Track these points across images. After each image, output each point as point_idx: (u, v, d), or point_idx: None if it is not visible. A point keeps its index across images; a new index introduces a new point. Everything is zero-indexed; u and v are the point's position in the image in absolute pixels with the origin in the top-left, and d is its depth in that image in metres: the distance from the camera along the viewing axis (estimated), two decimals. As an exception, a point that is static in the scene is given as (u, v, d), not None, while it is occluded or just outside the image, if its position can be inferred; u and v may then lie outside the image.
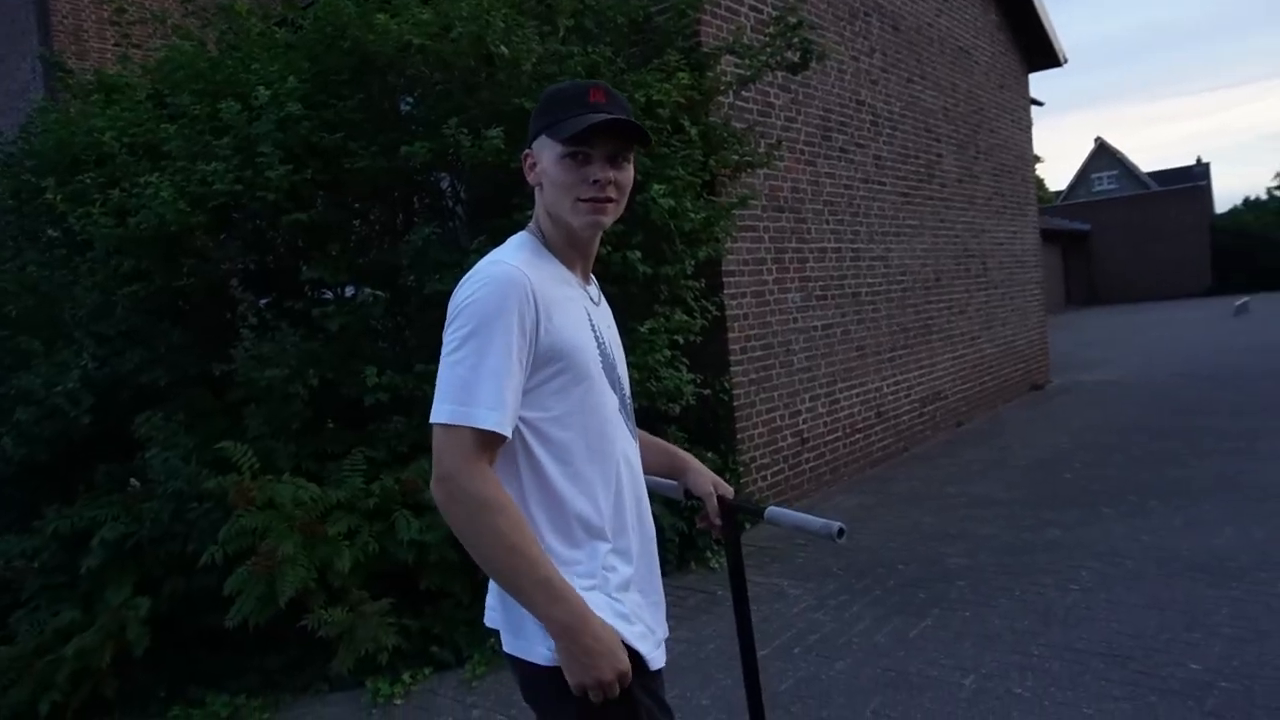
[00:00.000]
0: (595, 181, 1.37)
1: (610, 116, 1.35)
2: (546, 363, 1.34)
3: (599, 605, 1.32)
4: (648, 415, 4.72)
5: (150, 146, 4.17)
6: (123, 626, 3.44)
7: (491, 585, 1.42)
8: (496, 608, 1.42)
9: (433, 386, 1.32)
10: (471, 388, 1.26)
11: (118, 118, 4.35)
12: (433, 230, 4.05)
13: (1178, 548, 4.29)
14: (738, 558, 1.71)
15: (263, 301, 4.66)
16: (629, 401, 1.54)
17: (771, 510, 1.65)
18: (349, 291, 4.50)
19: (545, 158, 1.40)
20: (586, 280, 1.53)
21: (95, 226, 3.82)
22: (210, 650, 3.72)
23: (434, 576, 3.77)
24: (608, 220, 1.42)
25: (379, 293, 3.88)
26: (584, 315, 1.43)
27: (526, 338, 1.30)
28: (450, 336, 1.31)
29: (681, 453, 1.78)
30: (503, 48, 3.78)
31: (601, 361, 1.44)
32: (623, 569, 1.42)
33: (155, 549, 3.73)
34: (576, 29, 4.43)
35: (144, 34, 6.10)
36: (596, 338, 1.45)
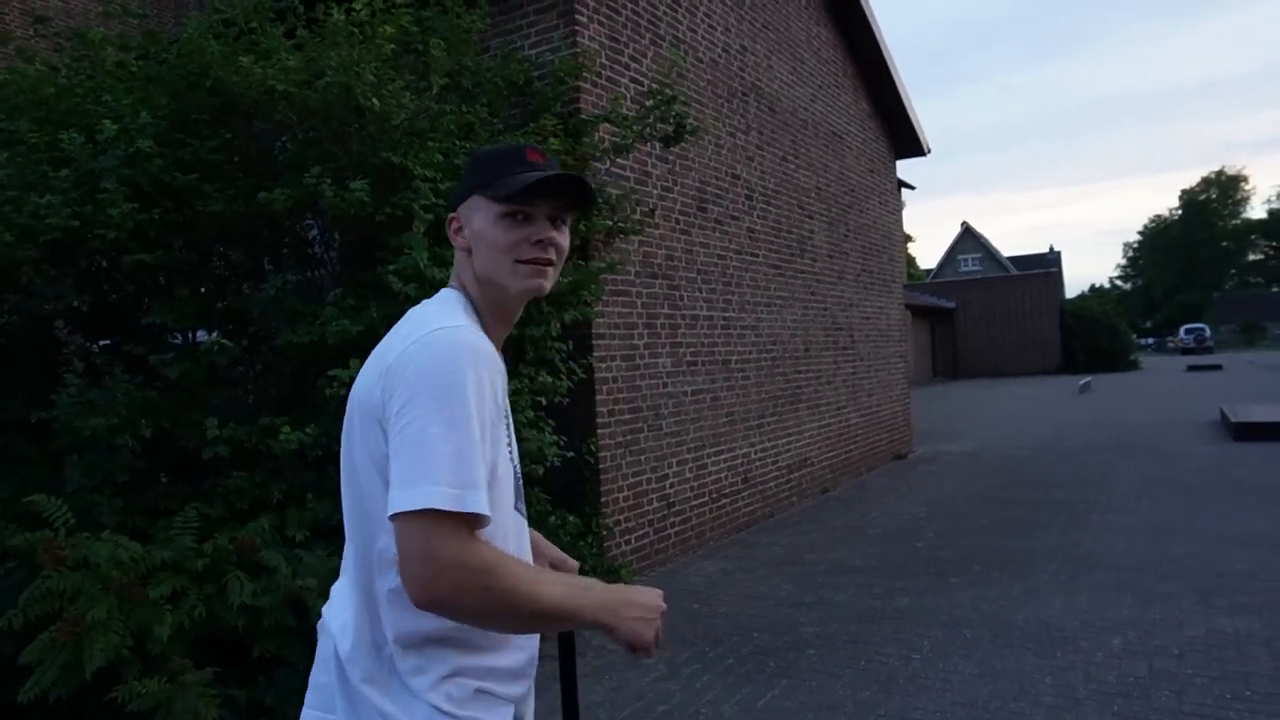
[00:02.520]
0: (538, 242, 1.30)
1: (555, 173, 1.30)
2: (496, 432, 1.24)
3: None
4: (510, 476, 4.64)
5: (-20, 173, 3.88)
6: (-103, 702, 3.08)
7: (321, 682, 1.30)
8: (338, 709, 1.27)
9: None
10: (458, 467, 1.12)
11: (-54, 140, 4.04)
12: (291, 278, 3.91)
13: (1013, 617, 4.49)
14: (569, 640, 1.62)
15: (101, 344, 4.37)
16: (519, 481, 1.46)
17: None
18: (201, 337, 4.28)
19: (479, 219, 1.31)
20: (498, 348, 1.44)
21: (-94, 255, 3.51)
22: (3, 727, 3.36)
23: (268, 642, 3.54)
24: (547, 284, 1.33)
25: (224, 341, 3.70)
26: (504, 387, 1.35)
27: (486, 407, 1.18)
28: (413, 409, 1.14)
29: (544, 542, 1.67)
30: (373, 100, 3.73)
31: (507, 435, 1.35)
32: (526, 649, 1.34)
33: (-54, 613, 3.37)
34: (453, 87, 4.44)
35: (-7, 54, 5.74)
36: (504, 411, 1.36)
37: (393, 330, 1.30)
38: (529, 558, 1.40)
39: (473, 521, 1.12)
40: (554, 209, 1.32)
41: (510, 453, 1.34)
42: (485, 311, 1.35)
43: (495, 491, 1.23)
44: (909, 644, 4.19)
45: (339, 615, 1.30)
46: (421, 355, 1.18)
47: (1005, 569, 5.43)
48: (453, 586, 1.09)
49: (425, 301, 1.35)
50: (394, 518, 1.11)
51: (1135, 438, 11.77)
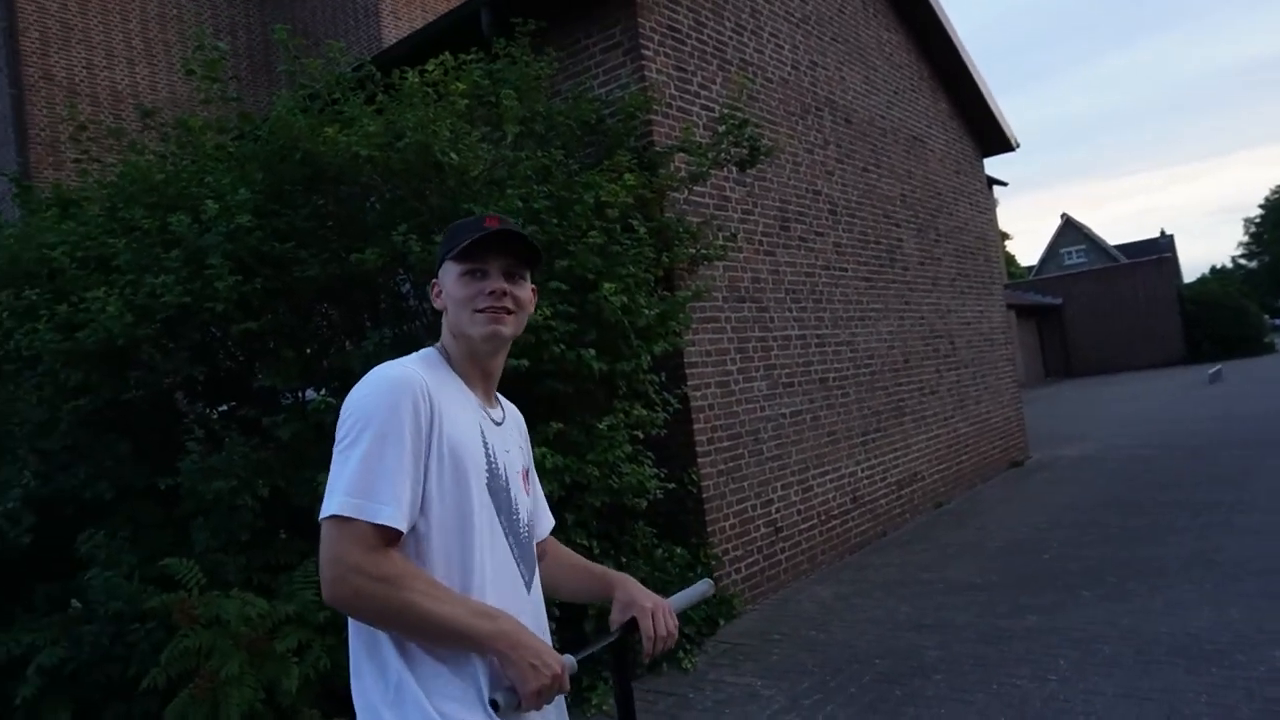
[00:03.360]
0: (491, 292, 1.43)
1: (499, 229, 1.44)
2: (438, 465, 1.34)
3: None
4: (614, 512, 4.64)
5: (101, 260, 4.17)
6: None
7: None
8: None
9: None
10: (367, 482, 1.25)
11: (71, 232, 4.36)
12: (389, 333, 4.03)
13: (1156, 631, 4.19)
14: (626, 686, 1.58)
15: (218, 410, 4.61)
16: (525, 534, 1.52)
17: (676, 597, 1.67)
18: (308, 395, 4.46)
19: (447, 280, 1.48)
20: (489, 402, 1.54)
21: (40, 342, 3.79)
22: (151, 782, 3.53)
23: (389, 692, 3.61)
24: (507, 331, 1.46)
25: (330, 399, 3.83)
26: (477, 428, 1.44)
27: (422, 437, 1.31)
28: (342, 434, 1.30)
29: (607, 571, 1.72)
30: (451, 156, 3.84)
31: (489, 480, 1.43)
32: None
33: (94, 674, 3.58)
34: (527, 134, 4.53)
35: (105, 147, 6.19)
36: (488, 455, 1.44)
37: None
38: (522, 569, 1.47)
39: (381, 532, 1.24)
40: (506, 265, 1.46)
41: (493, 473, 1.43)
42: (461, 362, 1.48)
43: (448, 504, 1.33)
44: (1043, 665, 3.95)
45: None
46: (355, 391, 1.35)
47: (1141, 579, 5.08)
48: (352, 591, 1.22)
49: None
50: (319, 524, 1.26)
51: (1278, 430, 10.92)
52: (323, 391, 4.27)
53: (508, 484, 1.48)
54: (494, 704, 1.29)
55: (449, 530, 1.35)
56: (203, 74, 4.71)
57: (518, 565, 1.47)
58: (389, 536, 1.25)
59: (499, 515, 1.44)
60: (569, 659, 1.33)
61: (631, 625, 1.54)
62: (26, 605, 3.92)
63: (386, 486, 1.25)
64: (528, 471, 1.62)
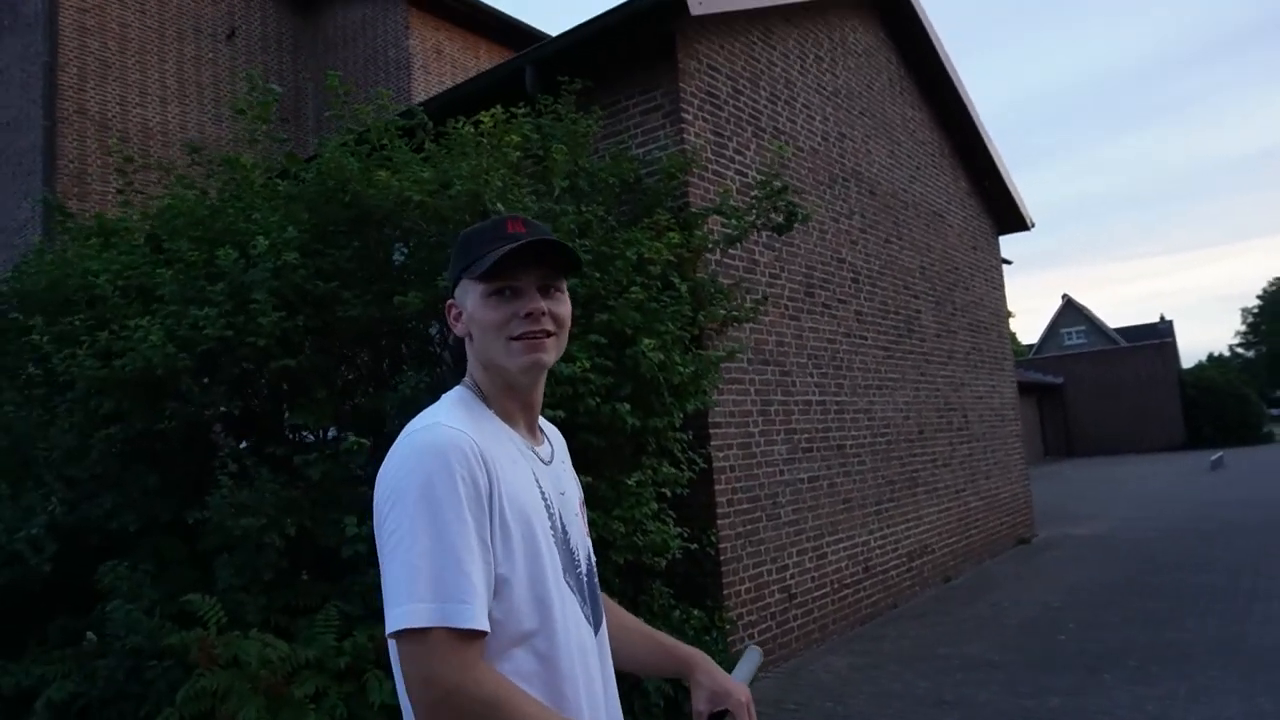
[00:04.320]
0: (528, 315, 1.21)
1: (531, 239, 1.21)
2: (503, 539, 1.14)
3: None
4: (634, 571, 4.59)
5: (143, 290, 4.20)
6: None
7: None
8: None
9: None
10: (440, 579, 1.05)
11: (114, 261, 4.40)
12: (426, 378, 4.04)
13: None
14: None
15: (243, 445, 4.58)
16: (587, 579, 1.32)
17: (738, 674, 1.52)
18: (331, 435, 4.44)
19: (470, 302, 1.24)
20: (533, 435, 1.33)
21: (79, 367, 3.79)
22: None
23: (405, 745, 3.52)
24: (549, 357, 1.24)
25: (362, 440, 3.82)
26: (531, 478, 1.24)
27: (484, 509, 1.11)
28: (390, 520, 1.09)
29: (679, 645, 1.49)
30: (499, 205, 3.90)
31: (553, 534, 1.23)
32: None
33: (106, 711, 3.49)
34: (570, 189, 4.60)
35: (146, 180, 6.27)
36: (546, 505, 1.25)
37: None
38: (594, 625, 1.29)
39: (467, 637, 1.05)
40: (541, 277, 1.23)
41: (555, 528, 1.25)
42: (496, 396, 1.27)
43: (523, 582, 1.15)
44: (1071, 749, 3.87)
45: None
46: (393, 465, 1.13)
47: (1164, 665, 5.00)
48: (454, 714, 1.03)
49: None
50: (391, 638, 1.07)
51: (1285, 517, 10.86)
52: (349, 434, 4.26)
53: (566, 533, 1.28)
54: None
55: (524, 615, 1.15)
56: (253, 115, 4.80)
57: (592, 628, 1.28)
58: (475, 640, 1.06)
59: (565, 575, 1.24)
60: None
61: (722, 716, 1.39)
62: (41, 637, 3.84)
63: (463, 580, 1.06)
64: (582, 504, 1.40)
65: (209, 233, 4.29)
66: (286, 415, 4.43)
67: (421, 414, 1.22)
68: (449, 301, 1.30)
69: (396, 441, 1.16)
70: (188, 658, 3.37)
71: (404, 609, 1.04)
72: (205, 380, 3.99)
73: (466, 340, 1.28)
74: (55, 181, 11.79)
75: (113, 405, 3.91)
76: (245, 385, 4.28)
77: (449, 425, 1.15)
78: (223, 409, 4.02)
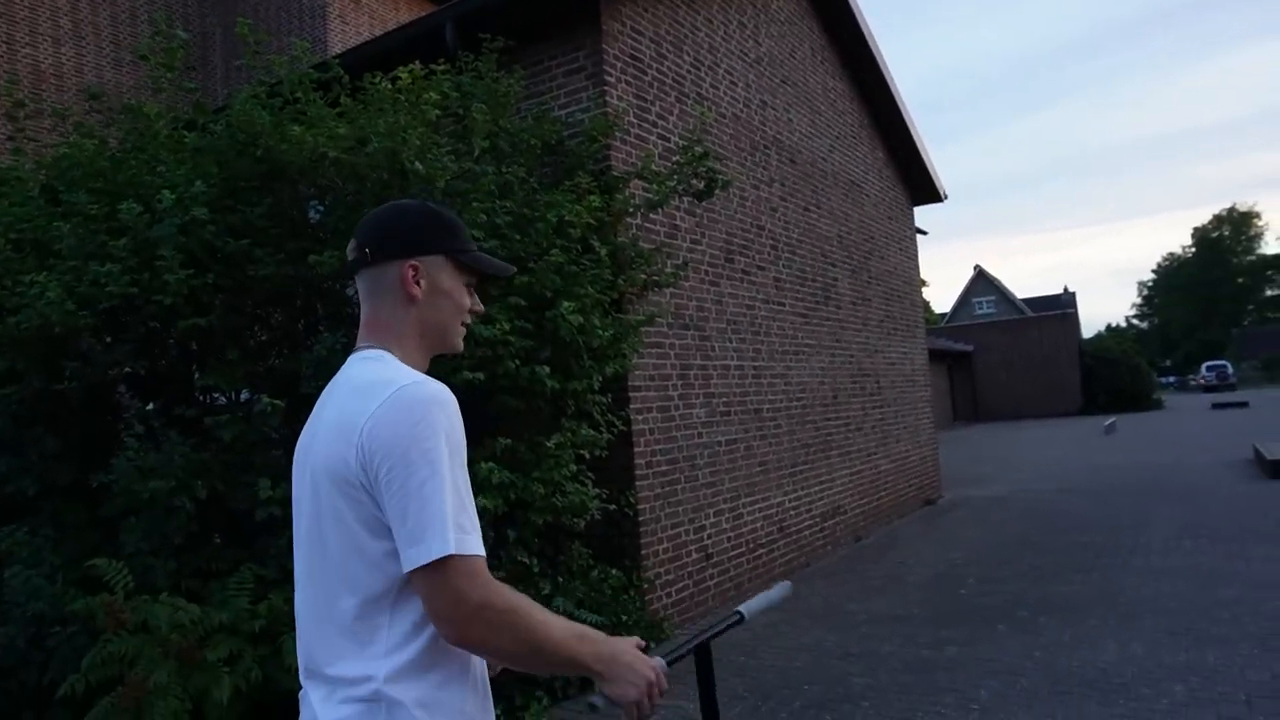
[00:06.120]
0: (473, 311, 1.49)
1: (504, 264, 1.53)
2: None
3: None
4: (553, 531, 4.65)
5: (38, 243, 4.00)
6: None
7: None
8: None
9: None
10: (459, 514, 1.22)
11: (5, 212, 4.17)
12: (342, 339, 3.97)
13: (1068, 665, 4.41)
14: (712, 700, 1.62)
15: (150, 406, 4.44)
16: None
17: (746, 608, 1.66)
18: (244, 397, 4.34)
19: (447, 280, 1.41)
20: None
21: (-32, 326, 3.61)
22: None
23: (321, 705, 3.52)
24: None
25: (276, 401, 3.75)
26: None
27: (461, 457, 1.29)
28: (407, 468, 1.20)
29: None
30: (417, 165, 3.84)
31: None
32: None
33: (6, 680, 3.39)
34: (491, 150, 4.55)
35: (39, 127, 5.93)
36: None
37: (340, 398, 1.32)
38: None
39: (481, 560, 1.22)
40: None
41: None
42: (421, 362, 1.41)
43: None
44: (965, 694, 4.12)
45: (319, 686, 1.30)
46: (402, 414, 1.23)
47: (1052, 615, 5.34)
48: (485, 625, 1.19)
49: (362, 366, 1.34)
50: (414, 573, 1.20)
51: (1168, 478, 11.62)
52: (264, 396, 4.18)
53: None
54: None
55: None
56: (156, 61, 4.59)
57: None
58: (484, 562, 1.23)
59: None
60: (659, 661, 1.35)
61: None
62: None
63: (472, 516, 1.24)
64: None
65: (110, 185, 4.11)
66: (197, 376, 4.30)
67: (383, 372, 1.30)
68: (411, 261, 1.38)
69: (388, 394, 1.24)
70: (94, 623, 3.30)
71: (438, 539, 1.18)
72: (108, 339, 3.85)
73: (408, 303, 1.38)
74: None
75: (7, 365, 3.74)
76: (152, 345, 4.14)
77: (430, 380, 1.29)
78: (128, 369, 3.88)
